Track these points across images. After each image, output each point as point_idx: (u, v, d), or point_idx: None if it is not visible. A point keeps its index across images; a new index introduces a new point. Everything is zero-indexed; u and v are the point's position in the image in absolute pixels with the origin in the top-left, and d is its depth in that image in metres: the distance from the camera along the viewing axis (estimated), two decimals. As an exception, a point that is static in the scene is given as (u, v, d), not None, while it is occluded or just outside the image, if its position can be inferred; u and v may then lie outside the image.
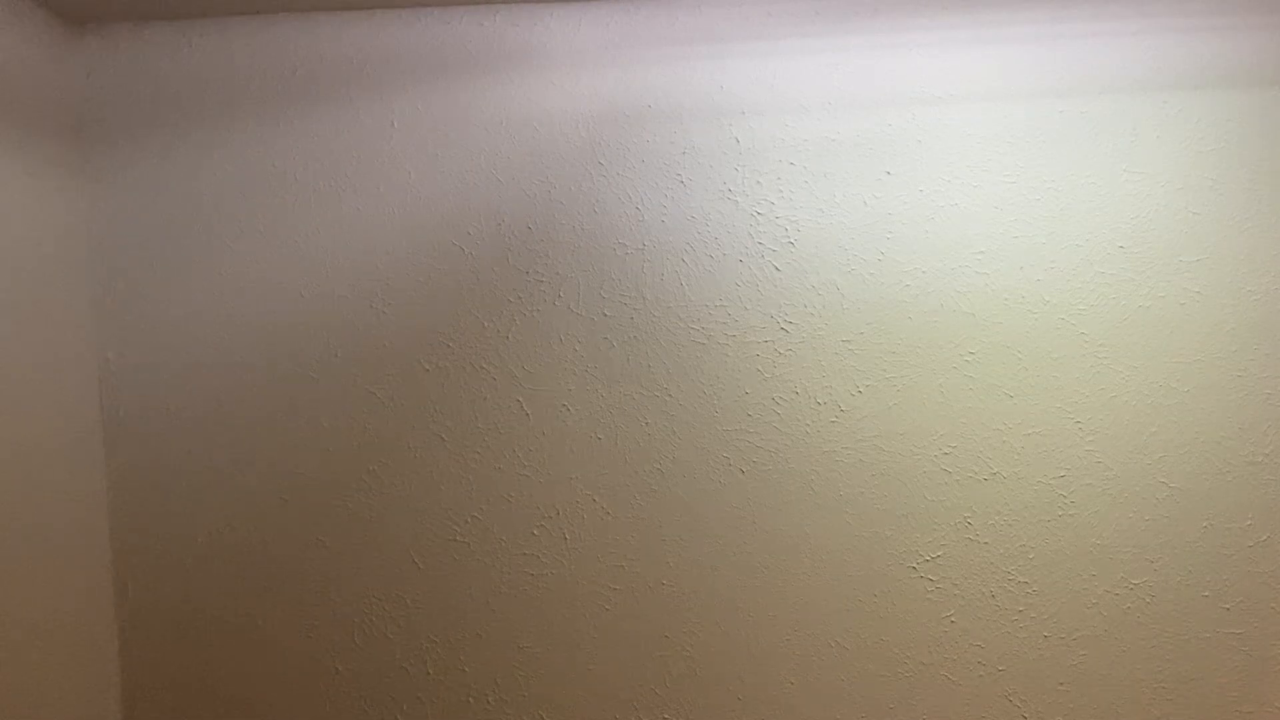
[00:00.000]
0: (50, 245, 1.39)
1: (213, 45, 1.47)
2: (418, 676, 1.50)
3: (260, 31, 1.47)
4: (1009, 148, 1.47)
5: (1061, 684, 1.51)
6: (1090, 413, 1.49)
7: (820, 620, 1.50)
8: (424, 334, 1.49)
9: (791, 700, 1.51)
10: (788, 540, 1.50)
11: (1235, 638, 1.50)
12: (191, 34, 1.47)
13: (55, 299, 1.39)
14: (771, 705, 1.50)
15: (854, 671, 1.50)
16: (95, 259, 1.48)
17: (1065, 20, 1.47)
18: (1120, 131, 1.47)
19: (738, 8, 1.47)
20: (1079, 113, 1.47)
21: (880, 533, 1.50)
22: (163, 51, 1.47)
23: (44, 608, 1.33)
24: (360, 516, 1.49)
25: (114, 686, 1.49)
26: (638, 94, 1.48)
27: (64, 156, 1.43)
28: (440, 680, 1.50)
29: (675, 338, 1.49)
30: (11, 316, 1.29)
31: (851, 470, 1.49)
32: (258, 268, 1.48)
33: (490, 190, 1.48)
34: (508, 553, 1.50)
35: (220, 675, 1.50)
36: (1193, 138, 1.47)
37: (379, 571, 1.50)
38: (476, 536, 1.50)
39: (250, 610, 1.50)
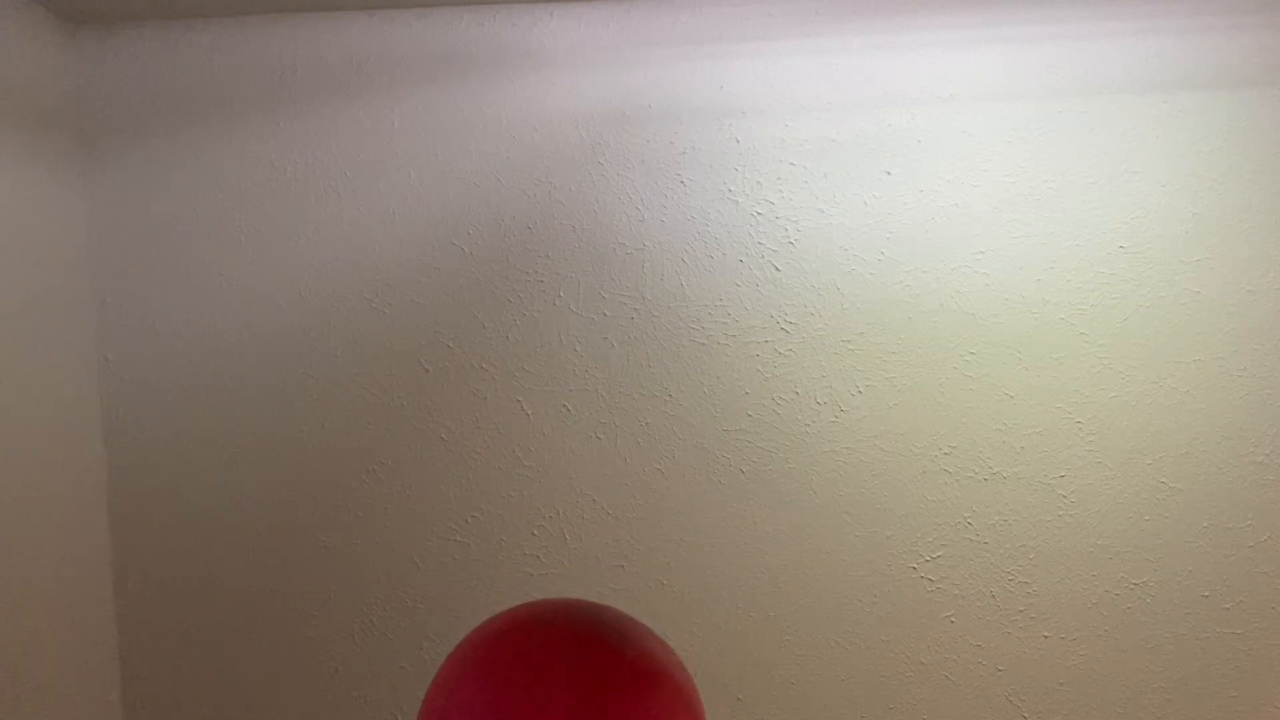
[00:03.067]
0: (50, 245, 1.39)
1: (212, 45, 1.47)
2: (417, 677, 1.50)
3: (260, 31, 1.47)
4: (1009, 148, 1.47)
5: (1061, 684, 1.51)
6: (1090, 413, 1.49)
7: (820, 620, 1.50)
8: (424, 334, 1.49)
9: (791, 700, 1.51)
10: (788, 540, 1.50)
11: (1235, 638, 1.50)
12: (191, 34, 1.47)
13: (55, 299, 1.39)
14: (771, 705, 1.50)
15: (854, 671, 1.50)
16: (95, 259, 1.48)
17: (1065, 20, 1.47)
18: (1120, 131, 1.47)
19: (738, 8, 1.47)
20: (1079, 113, 1.47)
21: (880, 533, 1.50)
22: (163, 51, 1.47)
23: (44, 606, 1.33)
24: (360, 516, 1.49)
25: (114, 686, 1.49)
26: (638, 94, 1.48)
27: (64, 156, 1.43)
28: (440, 680, 1.50)
29: (675, 338, 1.49)
30: (11, 316, 1.29)
31: (851, 470, 1.49)
32: (257, 267, 1.48)
33: (490, 190, 1.48)
34: (508, 553, 1.50)
35: (220, 675, 1.50)
36: (1193, 138, 1.47)
37: (379, 571, 1.50)
38: (476, 536, 1.50)
39: (250, 610, 1.50)
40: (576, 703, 0.79)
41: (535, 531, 1.50)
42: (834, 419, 1.49)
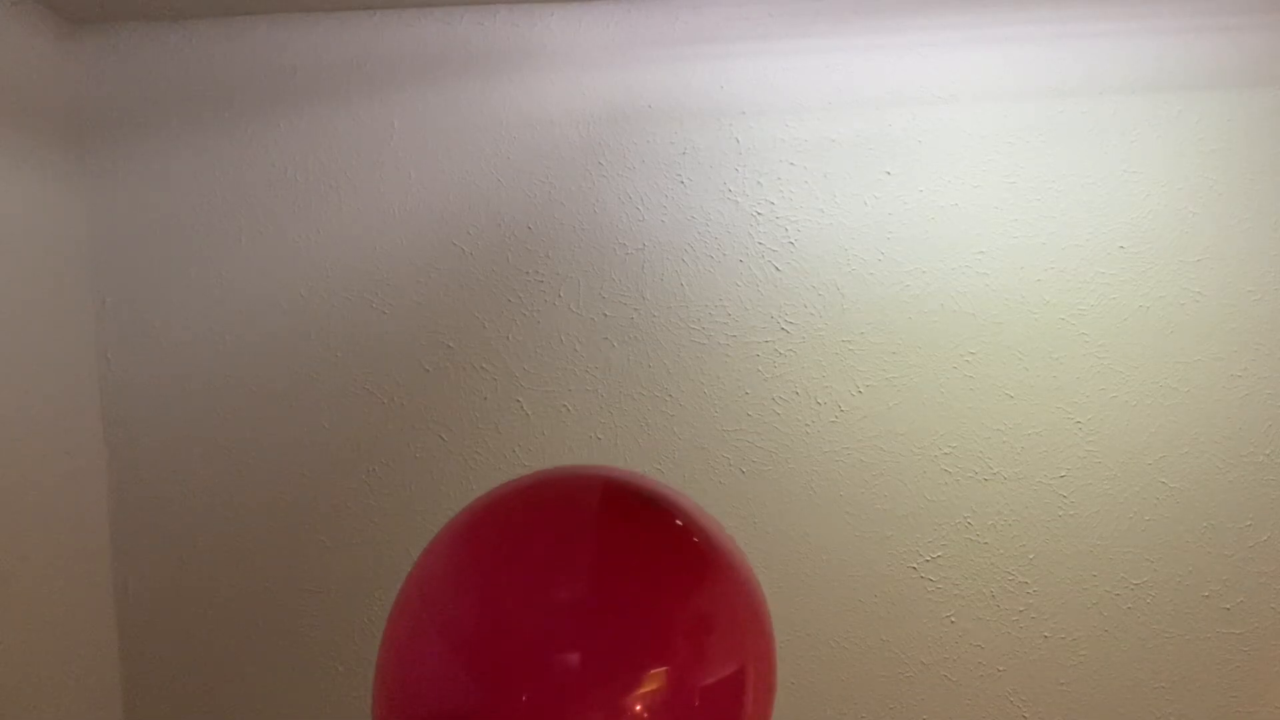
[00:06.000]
0: (50, 245, 1.39)
1: (213, 45, 1.47)
2: (418, 676, 1.50)
3: (261, 31, 1.47)
4: (1009, 148, 1.47)
5: (1061, 684, 1.51)
6: (1090, 413, 1.49)
7: (820, 620, 1.50)
8: (424, 334, 1.49)
9: (791, 700, 1.50)
10: (788, 540, 1.50)
11: (1235, 638, 1.50)
12: (192, 34, 1.47)
13: (55, 299, 1.39)
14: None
15: (854, 671, 1.50)
16: (95, 259, 1.48)
17: (1065, 20, 1.47)
18: (1120, 131, 1.47)
19: (739, 8, 1.47)
20: (1079, 113, 1.47)
21: (880, 533, 1.50)
22: (163, 51, 1.47)
23: (44, 607, 1.33)
24: (360, 516, 1.49)
25: (114, 686, 1.49)
26: (638, 94, 1.48)
27: (64, 156, 1.43)
28: (440, 680, 1.50)
29: (675, 338, 1.49)
30: (11, 316, 1.29)
31: (851, 470, 1.49)
32: (257, 267, 1.48)
33: (490, 190, 1.48)
34: (508, 553, 1.50)
35: (220, 675, 1.50)
36: (1193, 138, 1.47)
37: (379, 571, 1.50)
38: (476, 536, 1.50)
39: (250, 610, 1.50)
40: (604, 578, 0.58)
41: (535, 531, 1.50)
42: (834, 419, 1.49)
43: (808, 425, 1.49)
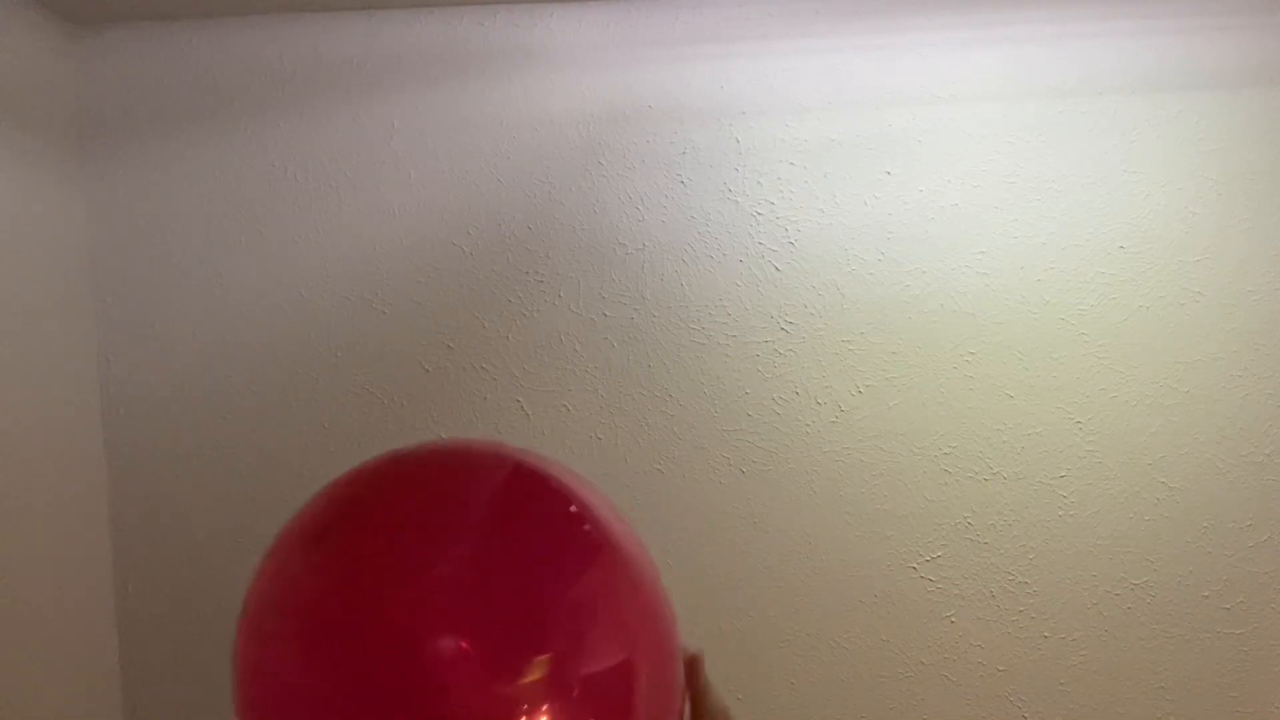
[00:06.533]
0: (50, 245, 1.39)
1: (213, 45, 1.47)
2: (418, 676, 1.50)
3: (260, 32, 1.47)
4: (1009, 148, 1.47)
5: (1061, 684, 1.51)
6: (1090, 413, 1.49)
7: (820, 620, 1.50)
8: (424, 334, 1.49)
9: (791, 700, 1.50)
10: (788, 540, 1.50)
11: (1235, 638, 1.50)
12: (191, 34, 1.47)
13: (55, 299, 1.39)
14: (771, 705, 1.50)
15: (854, 671, 1.50)
16: (95, 259, 1.48)
17: (1065, 20, 1.47)
18: (1120, 131, 1.47)
19: (739, 8, 1.47)
20: (1079, 113, 1.47)
21: (880, 533, 1.50)
22: (163, 51, 1.47)
23: (44, 607, 1.33)
24: (360, 516, 1.49)
25: (114, 686, 1.49)
26: (638, 94, 1.48)
27: (64, 157, 1.43)
28: (440, 680, 1.50)
29: (675, 338, 1.49)
30: (11, 317, 1.29)
31: (851, 470, 1.49)
32: (257, 268, 1.48)
33: (490, 190, 1.48)
34: (508, 553, 1.50)
35: (221, 676, 1.50)
36: (1193, 138, 1.47)
37: (379, 571, 1.49)
38: (476, 536, 1.49)
39: (250, 610, 1.49)
40: (484, 559, 0.55)
41: (535, 531, 1.50)
42: (834, 419, 1.49)
43: (808, 425, 1.49)
